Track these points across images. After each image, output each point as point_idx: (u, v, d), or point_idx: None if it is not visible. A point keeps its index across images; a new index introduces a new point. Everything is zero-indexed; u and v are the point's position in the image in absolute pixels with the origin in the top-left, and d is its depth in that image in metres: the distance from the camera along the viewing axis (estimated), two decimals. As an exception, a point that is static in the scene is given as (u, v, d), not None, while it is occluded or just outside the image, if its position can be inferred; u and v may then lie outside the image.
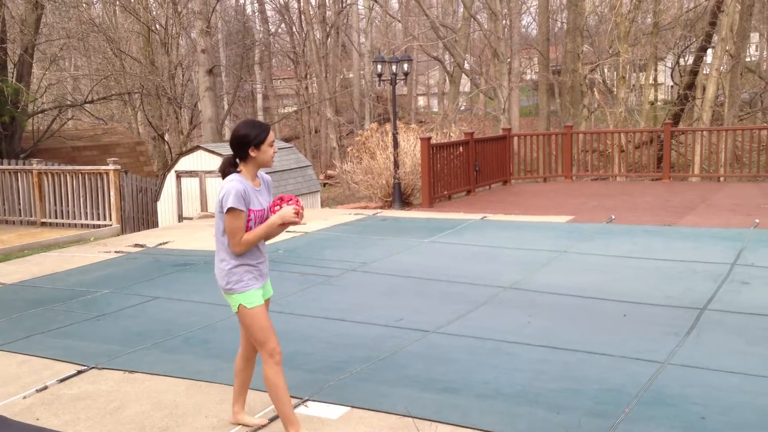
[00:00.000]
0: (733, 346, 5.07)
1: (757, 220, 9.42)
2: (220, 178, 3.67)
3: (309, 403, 4.31)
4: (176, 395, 4.54)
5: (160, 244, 9.71)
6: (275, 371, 3.69)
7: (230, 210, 3.51)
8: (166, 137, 27.58)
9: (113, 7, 27.62)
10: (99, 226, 12.80)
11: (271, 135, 3.64)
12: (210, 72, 20.54)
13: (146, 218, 15.25)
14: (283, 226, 3.60)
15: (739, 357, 4.83)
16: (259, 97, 40.94)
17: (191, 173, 14.74)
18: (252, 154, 3.59)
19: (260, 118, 39.88)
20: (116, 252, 9.34)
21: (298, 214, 3.58)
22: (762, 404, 4.08)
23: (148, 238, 10.48)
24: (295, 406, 4.29)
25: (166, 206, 15.08)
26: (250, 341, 3.85)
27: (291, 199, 3.63)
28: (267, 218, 3.63)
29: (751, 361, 4.73)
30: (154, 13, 27.11)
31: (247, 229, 3.58)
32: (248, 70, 36.47)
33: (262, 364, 3.72)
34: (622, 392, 4.29)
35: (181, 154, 15.59)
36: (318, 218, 11.25)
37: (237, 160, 3.64)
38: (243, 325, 3.74)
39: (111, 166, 13.06)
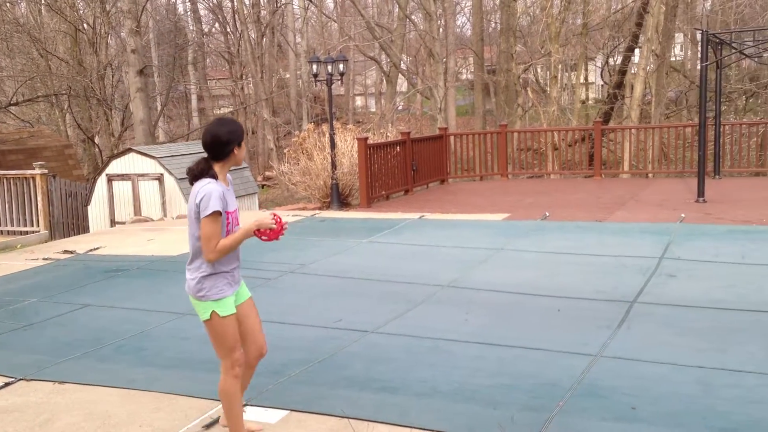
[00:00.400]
0: (661, 337, 5.24)
1: (683, 215, 9.75)
2: (188, 182, 3.53)
3: (247, 407, 4.25)
4: (109, 405, 4.42)
5: (91, 250, 9.44)
6: (233, 383, 3.61)
7: (212, 214, 3.39)
8: (97, 140, 26.84)
9: (38, 6, 26.72)
10: (26, 233, 12.38)
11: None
12: (141, 72, 20.08)
13: (76, 223, 14.81)
14: (258, 233, 3.52)
15: (668, 348, 4.99)
16: (194, 97, 40.23)
17: (123, 176, 14.38)
18: (235, 152, 3.51)
19: (195, 119, 39.21)
20: (44, 259, 9.04)
21: (275, 220, 3.51)
22: (689, 393, 4.23)
23: (78, 244, 10.17)
24: (233, 412, 4.23)
25: (97, 211, 14.68)
26: (250, 345, 3.75)
27: (276, 217, 3.57)
28: (237, 219, 3.57)
29: (678, 352, 4.89)
30: (82, 12, 26.37)
31: (227, 231, 3.50)
32: (181, 71, 35.81)
33: (221, 374, 3.64)
34: (557, 386, 4.38)
35: (113, 157, 15.19)
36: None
37: (211, 161, 3.52)
38: (212, 334, 3.59)
39: (38, 171, 12.65)
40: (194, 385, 4.65)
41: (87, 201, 14.77)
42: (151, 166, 14.19)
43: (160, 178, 14.10)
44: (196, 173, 3.48)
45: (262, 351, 3.81)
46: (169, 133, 35.07)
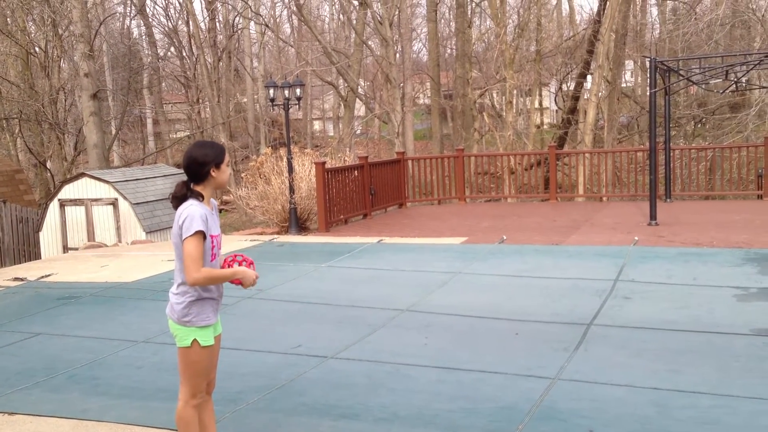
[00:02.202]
0: (617, 359, 5.31)
1: (636, 238, 9.95)
2: (172, 206, 3.49)
3: (204, 437, 4.17)
4: (60, 437, 4.29)
5: (43, 277, 9.21)
6: (192, 412, 3.55)
7: (196, 234, 3.33)
8: (49, 164, 26.30)
9: (-11, 28, 26.18)
10: (-26, 260, 12.02)
11: (227, 155, 3.54)
12: (94, 96, 19.82)
13: (27, 250, 14.45)
14: (236, 280, 3.51)
15: (624, 369, 5.07)
16: (149, 121, 39.81)
17: (76, 201, 14.11)
18: (213, 174, 3.45)
19: (151, 143, 38.75)
20: (-7, 287, 8.78)
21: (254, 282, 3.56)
22: (645, 414, 4.29)
23: (29, 270, 9.91)
24: (189, 442, 4.14)
25: (49, 237, 14.35)
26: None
27: (247, 262, 3.59)
28: (220, 244, 3.54)
29: (634, 373, 4.97)
30: (33, 35, 25.95)
31: (212, 255, 3.45)
32: (136, 95, 35.44)
33: (180, 402, 3.57)
34: (515, 409, 4.41)
35: (65, 182, 14.92)
36: (212, 245, 11.00)
37: (191, 184, 3.47)
38: (186, 361, 3.50)
39: (-13, 196, 12.32)
40: (148, 414, 4.55)
41: (38, 227, 14.43)
42: (105, 191, 13.95)
43: (114, 203, 13.87)
44: (178, 197, 3.45)
45: (212, 387, 3.75)
46: (124, 157, 34.57)
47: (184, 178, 3.51)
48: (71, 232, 14.17)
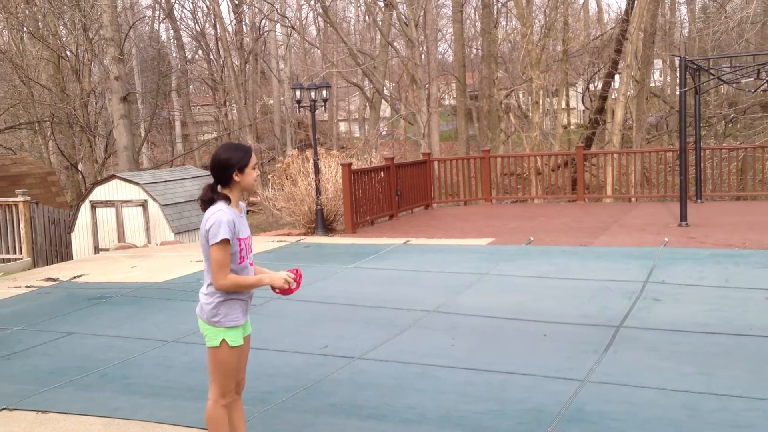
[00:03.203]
0: (648, 361, 5.26)
1: (666, 239, 9.84)
2: (200, 209, 3.50)
3: (233, 437, 4.21)
4: (93, 435, 4.35)
5: (75, 278, 9.35)
6: (222, 412, 3.56)
7: (221, 242, 3.35)
8: (80, 167, 26.70)
9: (20, 33, 26.68)
10: (9, 260, 12.24)
11: (254, 157, 3.53)
12: (124, 99, 20.08)
13: (60, 251, 14.68)
14: (272, 288, 3.53)
15: (655, 372, 5.01)
16: (177, 124, 40.24)
17: (107, 203, 14.31)
18: (236, 178, 3.44)
19: (179, 145, 39.16)
20: (27, 287, 8.94)
21: (288, 282, 3.50)
22: (676, 417, 4.24)
23: (61, 271, 10.07)
24: (219, 441, 4.18)
25: (80, 238, 14.56)
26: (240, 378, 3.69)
27: (292, 272, 3.55)
28: (250, 246, 3.56)
29: (665, 376, 4.91)
30: (64, 39, 26.34)
31: (240, 258, 3.46)
32: (165, 97, 35.83)
33: (210, 401, 3.57)
34: (544, 411, 4.38)
35: (96, 184, 15.13)
36: (240, 246, 11.09)
37: (218, 187, 3.49)
38: (214, 361, 3.52)
39: (20, 198, 12.55)
40: (179, 413, 4.60)
41: (70, 228, 14.65)
42: (135, 193, 14.13)
43: (144, 205, 14.04)
44: (205, 200, 3.46)
45: (241, 387, 3.76)
46: (153, 159, 34.99)
47: (211, 180, 3.53)
48: (102, 233, 14.37)
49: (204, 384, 5.12)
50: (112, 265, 10.37)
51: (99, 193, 14.44)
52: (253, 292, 3.62)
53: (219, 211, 3.39)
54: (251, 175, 3.48)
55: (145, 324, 6.86)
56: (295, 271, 3.54)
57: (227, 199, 3.46)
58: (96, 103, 26.72)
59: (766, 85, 13.36)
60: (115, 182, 14.32)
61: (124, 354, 5.90)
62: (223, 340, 3.48)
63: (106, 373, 5.48)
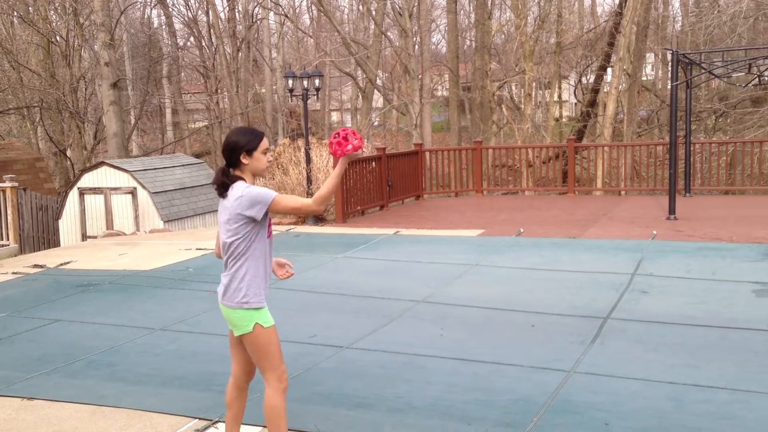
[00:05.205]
0: (634, 353, 5.28)
1: (654, 232, 9.87)
2: (216, 191, 3.45)
3: (219, 424, 4.21)
4: (78, 422, 4.34)
5: (62, 264, 9.31)
6: (281, 399, 3.45)
7: (275, 198, 3.31)
8: (68, 153, 26.53)
9: (10, 17, 26.43)
10: (-5, 247, 12.15)
11: (265, 142, 3.48)
12: (114, 86, 19.94)
13: (47, 237, 14.60)
14: (342, 149, 3.40)
15: (641, 363, 5.03)
16: (168, 111, 39.99)
17: (95, 190, 14.23)
18: (244, 161, 3.41)
19: (169, 133, 38.95)
20: (14, 273, 8.89)
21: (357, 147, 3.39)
22: (661, 408, 4.26)
23: (48, 258, 10.02)
24: (206, 428, 4.19)
25: (68, 225, 14.49)
26: (244, 367, 3.57)
27: (346, 133, 3.40)
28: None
29: (651, 368, 4.94)
30: (55, 24, 26.12)
31: (268, 233, 3.44)
32: (156, 84, 35.59)
33: (268, 389, 3.44)
34: (531, 401, 4.40)
35: (85, 171, 15.04)
36: (229, 235, 11.06)
37: (230, 169, 3.45)
38: (255, 347, 3.40)
39: (8, 183, 12.45)
40: (166, 401, 4.59)
41: (58, 215, 14.57)
42: (124, 180, 14.06)
43: (133, 192, 13.97)
44: (218, 183, 3.42)
45: (251, 376, 3.64)
46: (143, 146, 34.80)
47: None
48: (90, 220, 14.29)
49: (191, 372, 5.13)
50: (100, 252, 10.32)
51: (87, 180, 14.35)
52: (270, 273, 3.53)
53: (248, 186, 3.35)
54: (261, 159, 3.44)
55: (132, 312, 6.84)
56: (336, 134, 3.41)
57: (242, 180, 3.42)
58: (86, 89, 26.52)
59: (756, 79, 13.41)
60: (104, 169, 14.25)
61: (111, 341, 5.88)
62: (256, 324, 3.38)
63: (93, 360, 5.46)
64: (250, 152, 3.41)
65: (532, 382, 4.73)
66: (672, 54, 11.37)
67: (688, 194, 13.86)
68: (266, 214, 3.38)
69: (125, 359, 5.46)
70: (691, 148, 14.12)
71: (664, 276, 7.45)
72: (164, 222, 13.84)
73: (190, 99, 41.71)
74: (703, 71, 13.35)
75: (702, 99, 25.66)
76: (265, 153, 3.47)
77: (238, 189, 3.37)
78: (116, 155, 19.36)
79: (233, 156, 3.42)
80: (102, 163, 14.57)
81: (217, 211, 12.24)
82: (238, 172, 3.45)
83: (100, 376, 5.12)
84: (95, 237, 13.61)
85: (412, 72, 23.88)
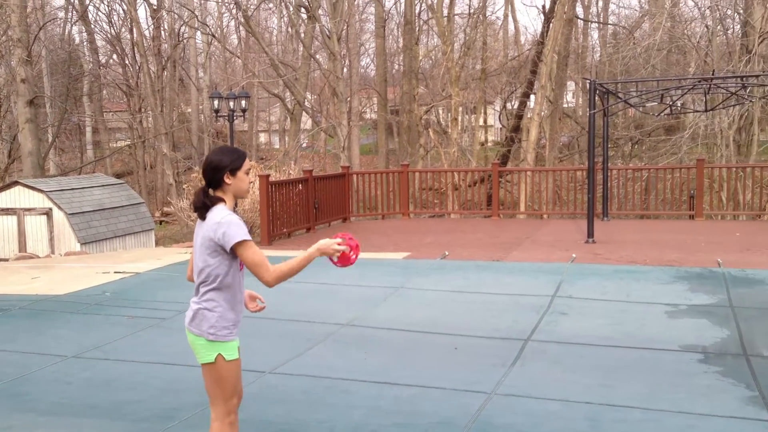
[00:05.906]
0: (553, 374, 5.39)
1: (574, 255, 10.15)
2: (198, 216, 3.32)
3: (134, 455, 4.07)
4: (-19, 456, 4.12)
5: (-30, 289, 8.86)
6: (228, 431, 3.36)
7: (244, 242, 3.20)
8: (-19, 172, 25.40)
9: None
10: None
11: (248, 162, 3.38)
12: (31, 103, 19.27)
13: (-45, 260, 13.89)
14: (331, 259, 3.37)
15: (559, 384, 5.14)
16: (88, 130, 38.86)
17: (7, 211, 13.66)
18: (227, 181, 3.30)
19: (89, 152, 37.83)
20: None
21: (345, 244, 3.34)
22: (578, 429, 4.36)
23: (-45, 281, 9.52)
24: (119, 460, 4.03)
25: (-22, 246, 13.84)
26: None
27: (345, 237, 3.38)
28: None
29: (569, 388, 5.05)
30: (-31, 38, 25.08)
31: (241, 266, 3.32)
32: (75, 102, 34.60)
33: (213, 422, 3.36)
34: (452, 424, 4.42)
35: (-2, 190, 14.42)
36: (151, 258, 10.78)
37: (209, 191, 3.33)
38: (212, 377, 3.31)
39: None
40: (77, 431, 4.41)
41: (-33, 236, 13.90)
42: (39, 200, 13.55)
43: (48, 213, 13.47)
44: (198, 205, 3.31)
45: (241, 397, 3.53)
46: (61, 166, 33.66)
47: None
48: (1, 242, 13.69)
49: (104, 401, 4.95)
50: (11, 276, 9.88)
51: (0, 200, 13.77)
52: (242, 304, 3.43)
53: (228, 214, 3.26)
54: (244, 180, 3.37)
55: (43, 338, 6.56)
56: (343, 236, 3.35)
57: (223, 201, 3.33)
58: (0, 106, 25.53)
59: (669, 109, 14.04)
60: (17, 189, 13.70)
61: (21, 369, 5.62)
62: (219, 355, 3.30)
63: (0, 389, 5.19)
64: (233, 172, 3.33)
65: (455, 404, 4.77)
66: (590, 83, 11.80)
67: (606, 218, 14.33)
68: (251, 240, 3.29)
69: (35, 388, 5.22)
70: (609, 174, 14.62)
71: (582, 298, 7.66)
72: (81, 244, 13.38)
73: (112, 117, 40.69)
74: (619, 100, 13.89)
75: (619, 126, 26.71)
76: (247, 173, 3.40)
77: (217, 214, 3.27)
78: (31, 174, 18.66)
79: (216, 176, 3.32)
80: (15, 183, 14.03)
81: (137, 233, 11.99)
82: (219, 193, 3.35)
83: (8, 405, 4.88)
84: (6, 260, 13.03)
85: (340, 95, 23.99)
